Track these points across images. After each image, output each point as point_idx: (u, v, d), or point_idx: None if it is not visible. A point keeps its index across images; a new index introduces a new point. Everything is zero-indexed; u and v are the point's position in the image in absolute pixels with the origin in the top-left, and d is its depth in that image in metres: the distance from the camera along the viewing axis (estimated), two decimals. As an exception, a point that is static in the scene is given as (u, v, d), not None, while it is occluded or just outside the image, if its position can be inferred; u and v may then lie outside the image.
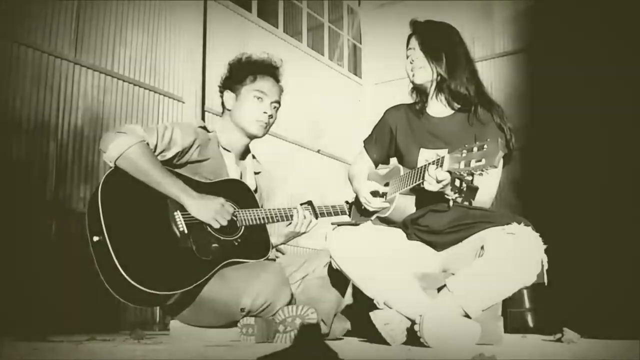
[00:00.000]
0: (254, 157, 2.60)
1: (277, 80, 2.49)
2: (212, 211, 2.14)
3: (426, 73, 2.25)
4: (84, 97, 4.83)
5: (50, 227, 4.46)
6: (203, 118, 5.69)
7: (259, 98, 2.39)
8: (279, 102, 2.46)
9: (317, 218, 2.47)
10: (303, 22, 7.59)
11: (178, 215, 2.12)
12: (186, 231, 2.10)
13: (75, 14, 4.82)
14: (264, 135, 2.46)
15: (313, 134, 7.18)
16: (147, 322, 4.89)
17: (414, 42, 2.29)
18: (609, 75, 5.91)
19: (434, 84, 2.27)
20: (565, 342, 2.27)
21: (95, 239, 1.99)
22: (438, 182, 1.91)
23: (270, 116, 2.42)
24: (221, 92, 2.49)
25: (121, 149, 2.06)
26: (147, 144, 2.13)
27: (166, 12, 5.60)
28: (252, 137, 2.46)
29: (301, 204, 2.46)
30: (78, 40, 4.83)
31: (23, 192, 4.32)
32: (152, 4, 5.48)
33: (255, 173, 2.58)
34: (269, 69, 2.47)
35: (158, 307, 4.90)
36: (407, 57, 2.31)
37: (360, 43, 8.46)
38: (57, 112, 4.62)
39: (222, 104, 2.48)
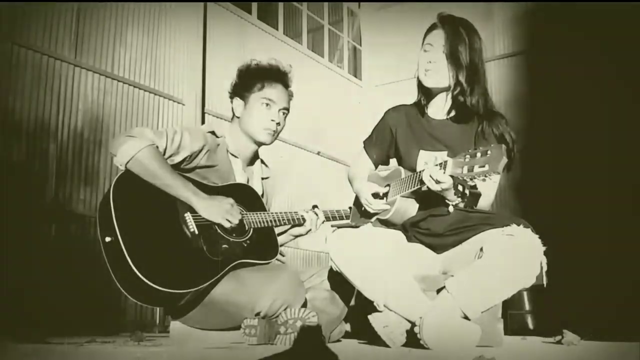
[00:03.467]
0: (262, 162, 2.60)
1: (286, 87, 2.47)
2: (222, 211, 2.16)
3: (441, 80, 2.15)
4: (84, 99, 4.83)
5: (50, 228, 4.46)
6: (203, 120, 5.70)
7: (267, 105, 2.38)
8: (287, 109, 2.45)
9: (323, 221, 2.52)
10: (303, 24, 7.60)
11: (188, 216, 2.13)
12: (197, 232, 2.12)
13: (75, 16, 4.83)
14: (272, 142, 2.45)
15: (313, 136, 7.19)
16: (147, 324, 4.88)
17: (436, 39, 2.14)
18: (608, 77, 5.92)
19: (448, 94, 2.19)
20: (565, 344, 2.26)
21: (108, 239, 2.00)
22: (437, 183, 1.91)
23: (278, 124, 2.41)
24: (231, 98, 2.47)
25: (131, 152, 2.07)
26: (157, 147, 2.14)
27: (166, 14, 5.61)
28: (260, 144, 2.46)
29: (306, 211, 2.48)
30: (78, 42, 4.84)
31: (23, 193, 4.32)
32: (152, 6, 5.49)
33: (263, 179, 2.58)
34: (277, 75, 2.44)
35: (159, 310, 4.92)
36: (425, 50, 2.18)
37: (360, 45, 8.47)
38: (57, 114, 4.63)
39: (232, 110, 2.46)
